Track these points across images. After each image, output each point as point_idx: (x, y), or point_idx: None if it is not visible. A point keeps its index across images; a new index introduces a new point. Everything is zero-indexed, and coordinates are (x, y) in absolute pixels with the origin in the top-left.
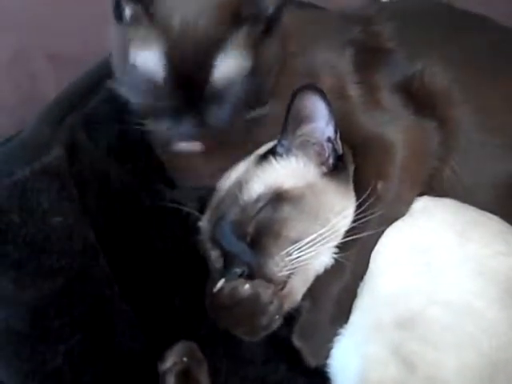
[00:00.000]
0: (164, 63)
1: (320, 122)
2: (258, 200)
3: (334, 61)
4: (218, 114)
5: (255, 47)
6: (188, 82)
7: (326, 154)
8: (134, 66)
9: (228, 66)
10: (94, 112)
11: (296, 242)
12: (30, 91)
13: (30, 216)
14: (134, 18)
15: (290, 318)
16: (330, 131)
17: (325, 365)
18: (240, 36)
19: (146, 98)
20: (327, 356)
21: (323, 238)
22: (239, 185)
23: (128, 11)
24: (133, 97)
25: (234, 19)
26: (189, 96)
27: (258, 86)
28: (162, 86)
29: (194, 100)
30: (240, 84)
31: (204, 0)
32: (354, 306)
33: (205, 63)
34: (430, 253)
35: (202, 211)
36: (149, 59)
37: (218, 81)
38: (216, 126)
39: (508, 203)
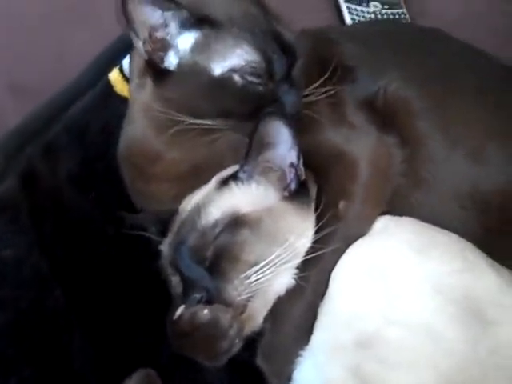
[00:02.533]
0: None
1: (283, 148)
2: (215, 225)
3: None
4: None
5: None
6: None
7: (288, 180)
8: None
9: None
10: (55, 141)
11: (254, 265)
12: None
13: None
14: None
15: (253, 341)
16: (292, 157)
17: None
18: None
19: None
20: (290, 377)
21: (282, 259)
22: (198, 209)
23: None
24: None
25: None
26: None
27: None
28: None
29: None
30: None
31: None
32: (314, 327)
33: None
34: (388, 272)
35: (164, 234)
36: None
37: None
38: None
39: (472, 214)
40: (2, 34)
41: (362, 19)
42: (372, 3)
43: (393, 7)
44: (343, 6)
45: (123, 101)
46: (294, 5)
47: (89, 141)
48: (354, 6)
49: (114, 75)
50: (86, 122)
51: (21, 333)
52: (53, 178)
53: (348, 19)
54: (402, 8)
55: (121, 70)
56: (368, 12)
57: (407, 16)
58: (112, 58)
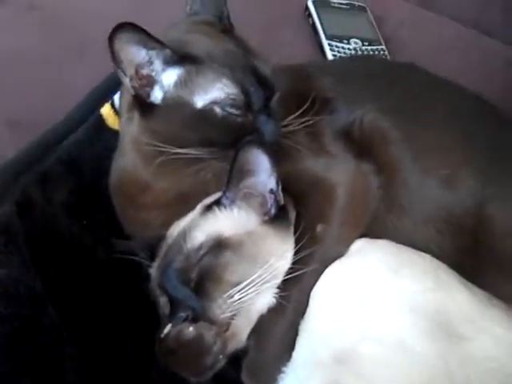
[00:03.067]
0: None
1: (262, 175)
2: (200, 248)
3: None
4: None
5: None
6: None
7: (268, 205)
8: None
9: None
10: (49, 171)
11: (237, 284)
12: None
13: None
14: (183, 77)
15: (238, 358)
16: (272, 183)
17: None
18: None
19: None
20: None
21: (263, 279)
22: (184, 234)
23: (169, 79)
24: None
25: None
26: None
27: None
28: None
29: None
30: None
31: None
32: (296, 344)
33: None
34: (363, 291)
35: (153, 259)
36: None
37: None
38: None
39: (447, 237)
40: (1, 71)
41: (343, 55)
42: (352, 40)
43: (372, 44)
44: (325, 43)
45: (114, 134)
46: (277, 41)
47: (82, 171)
48: (335, 43)
49: (105, 110)
50: (79, 153)
51: (16, 348)
52: (47, 205)
53: (330, 55)
54: (381, 44)
55: (112, 105)
56: (349, 48)
57: (386, 52)
58: (104, 93)
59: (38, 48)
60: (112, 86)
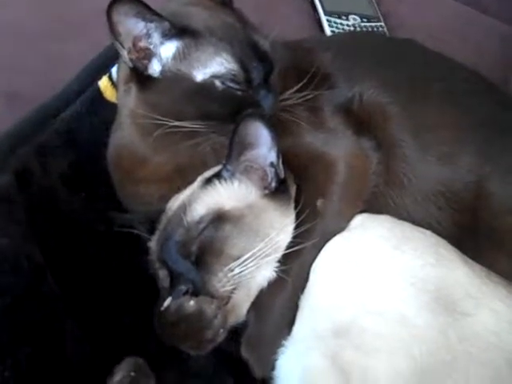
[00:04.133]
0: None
1: (263, 148)
2: (200, 221)
3: None
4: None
5: None
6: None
7: (269, 179)
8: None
9: None
10: (47, 143)
11: (237, 258)
12: None
13: None
14: (182, 50)
15: (237, 332)
16: (272, 157)
17: (271, 376)
18: None
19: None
20: (273, 367)
21: (263, 253)
22: (184, 207)
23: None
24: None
25: None
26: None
27: None
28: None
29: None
30: None
31: None
32: (296, 318)
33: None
34: (364, 265)
35: (152, 232)
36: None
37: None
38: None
39: (447, 213)
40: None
41: (341, 31)
42: (351, 16)
43: (371, 20)
44: (324, 19)
45: (112, 107)
46: (276, 18)
47: (79, 144)
48: (334, 19)
49: (103, 82)
50: (76, 125)
51: (17, 317)
52: (45, 177)
53: (328, 32)
54: (380, 21)
55: (110, 78)
56: (347, 25)
57: (385, 29)
58: (101, 65)
59: (36, 20)
60: (110, 58)
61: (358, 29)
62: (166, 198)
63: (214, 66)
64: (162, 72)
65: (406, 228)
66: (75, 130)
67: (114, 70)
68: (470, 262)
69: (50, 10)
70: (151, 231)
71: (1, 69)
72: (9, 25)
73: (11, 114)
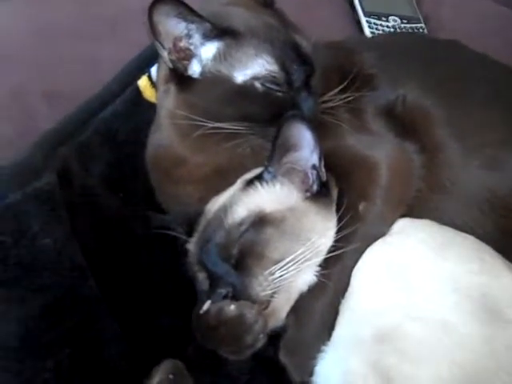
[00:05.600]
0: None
1: (305, 150)
2: (241, 223)
3: None
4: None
5: None
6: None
7: (310, 181)
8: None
9: None
10: (87, 143)
11: (278, 262)
12: (26, 126)
13: (21, 237)
14: (223, 51)
15: (276, 336)
16: (314, 159)
17: (309, 381)
18: None
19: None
20: (311, 372)
21: (304, 257)
22: (224, 209)
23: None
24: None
25: None
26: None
27: None
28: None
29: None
30: None
31: None
32: (336, 323)
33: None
34: (407, 270)
35: (190, 234)
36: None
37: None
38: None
39: (491, 218)
40: (39, 44)
41: (381, 33)
42: (391, 17)
43: (411, 22)
44: (363, 20)
45: (151, 106)
46: (315, 19)
47: (119, 143)
48: (373, 21)
49: (143, 82)
50: (116, 125)
51: (58, 317)
52: (85, 176)
53: (368, 33)
54: (420, 23)
55: (149, 78)
56: (387, 26)
57: (425, 30)
58: (141, 65)
59: (73, 21)
60: (149, 57)
61: (398, 30)
62: (205, 200)
63: (254, 68)
64: (202, 73)
65: (449, 233)
66: (114, 129)
67: (153, 69)
68: None
69: (87, 9)
70: (189, 233)
71: (41, 69)
72: (48, 25)
73: (52, 113)
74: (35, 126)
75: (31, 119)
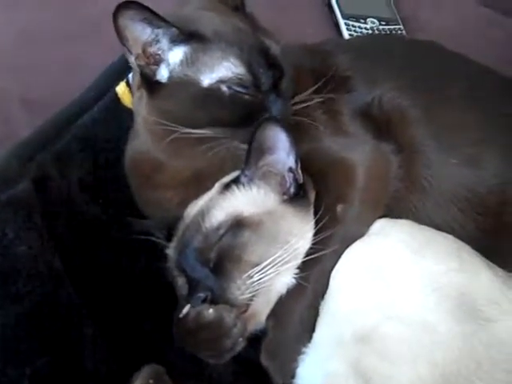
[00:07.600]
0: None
1: (281, 153)
2: (219, 227)
3: None
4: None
5: None
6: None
7: (287, 184)
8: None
9: None
10: (66, 149)
11: (256, 265)
12: (4, 133)
13: None
14: (190, 55)
15: (258, 339)
16: (291, 162)
17: (291, 383)
18: None
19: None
20: (293, 374)
21: (283, 260)
22: (202, 213)
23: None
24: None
25: None
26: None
27: None
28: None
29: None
30: None
31: None
32: (316, 324)
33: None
34: (385, 271)
35: (170, 239)
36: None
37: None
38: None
39: (470, 217)
40: (18, 49)
41: (359, 35)
42: (370, 19)
43: (390, 23)
44: (342, 22)
45: (130, 113)
46: (294, 22)
47: (97, 150)
48: (352, 23)
49: (121, 88)
50: (94, 132)
51: (35, 325)
52: (63, 183)
53: (346, 35)
54: (399, 24)
55: (127, 84)
56: (366, 28)
57: (404, 32)
58: (119, 72)
59: (52, 25)
60: (128, 63)
61: (377, 32)
62: (185, 204)
63: (220, 71)
64: (170, 78)
65: (427, 233)
66: (93, 136)
67: (131, 75)
68: (494, 267)
69: (66, 13)
70: (169, 238)
71: (17, 74)
72: (24, 29)
73: (28, 119)
74: (14, 132)
75: (9, 127)
